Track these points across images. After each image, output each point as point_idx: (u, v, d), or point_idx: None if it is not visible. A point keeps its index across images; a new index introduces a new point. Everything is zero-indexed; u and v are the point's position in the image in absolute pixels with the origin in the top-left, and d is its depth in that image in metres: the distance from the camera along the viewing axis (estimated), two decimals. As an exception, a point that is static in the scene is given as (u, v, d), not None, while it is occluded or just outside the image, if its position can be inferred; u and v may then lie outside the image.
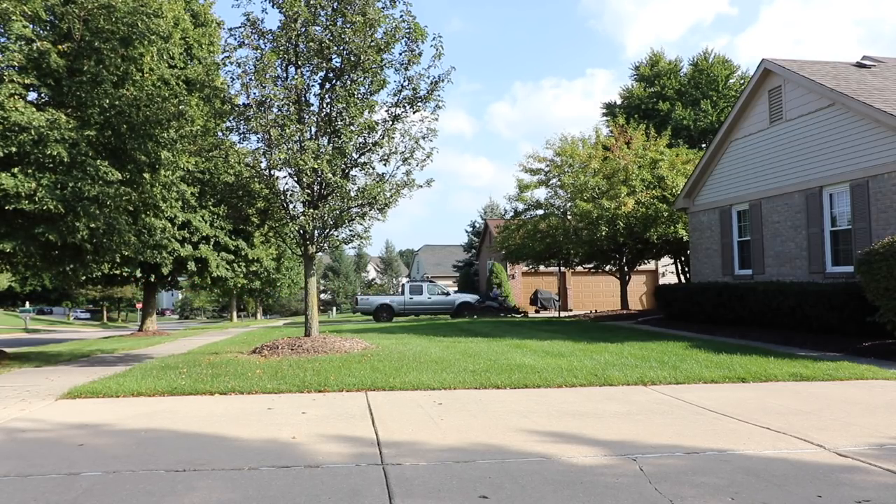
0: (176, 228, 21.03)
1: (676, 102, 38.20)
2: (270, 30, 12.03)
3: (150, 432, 5.78)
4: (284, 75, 12.35)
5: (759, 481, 4.21)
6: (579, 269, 28.91)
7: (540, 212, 25.28)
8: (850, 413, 6.25)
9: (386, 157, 12.74)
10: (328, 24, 11.97)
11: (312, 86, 12.52)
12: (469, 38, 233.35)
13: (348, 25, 11.75)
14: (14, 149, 10.29)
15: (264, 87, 11.77)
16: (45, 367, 11.45)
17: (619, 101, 41.93)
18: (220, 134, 12.97)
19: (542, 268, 29.42)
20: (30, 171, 10.42)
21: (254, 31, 12.07)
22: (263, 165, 12.51)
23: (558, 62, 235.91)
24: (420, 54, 12.36)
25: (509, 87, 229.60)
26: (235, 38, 12.13)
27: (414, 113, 12.63)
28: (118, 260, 14.06)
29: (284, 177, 12.55)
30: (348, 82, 12.07)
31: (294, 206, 12.73)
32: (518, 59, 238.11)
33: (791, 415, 6.18)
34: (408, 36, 12.19)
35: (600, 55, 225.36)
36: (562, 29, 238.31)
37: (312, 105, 12.57)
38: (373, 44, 11.89)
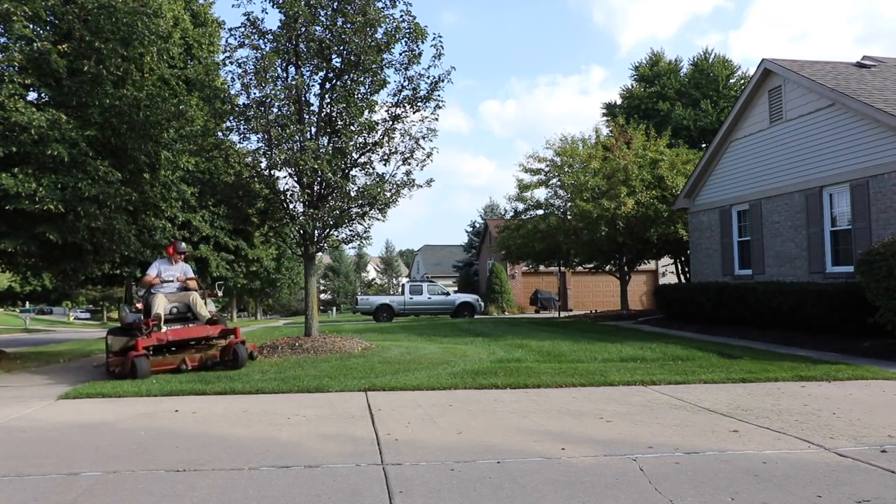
0: (176, 228, 21.03)
1: (676, 102, 38.19)
2: (270, 30, 12.03)
3: (150, 432, 5.78)
4: (284, 75, 12.35)
5: (759, 481, 4.21)
6: (579, 269, 28.86)
7: (540, 212, 25.23)
8: (850, 413, 6.24)
9: (386, 157, 12.75)
10: (328, 23, 11.97)
11: (312, 86, 12.53)
12: (463, 33, 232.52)
13: (348, 25, 11.75)
14: (14, 149, 10.29)
15: (264, 87, 11.78)
16: (45, 367, 11.46)
17: (619, 101, 41.93)
18: (220, 134, 12.96)
19: (542, 268, 29.39)
20: (30, 170, 10.43)
21: (254, 31, 12.07)
22: (263, 165, 12.51)
23: (553, 58, 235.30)
24: (420, 54, 12.37)
25: (504, 84, 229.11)
26: (235, 38, 12.14)
27: (414, 113, 12.64)
28: (118, 260, 14.07)
29: (284, 177, 12.58)
30: (348, 82, 12.07)
31: (294, 207, 12.74)
32: (513, 54, 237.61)
33: (791, 415, 6.18)
34: (408, 36, 12.19)
35: (595, 51, 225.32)
36: (556, 24, 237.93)
37: (312, 105, 12.58)
38: (373, 44, 11.89)
